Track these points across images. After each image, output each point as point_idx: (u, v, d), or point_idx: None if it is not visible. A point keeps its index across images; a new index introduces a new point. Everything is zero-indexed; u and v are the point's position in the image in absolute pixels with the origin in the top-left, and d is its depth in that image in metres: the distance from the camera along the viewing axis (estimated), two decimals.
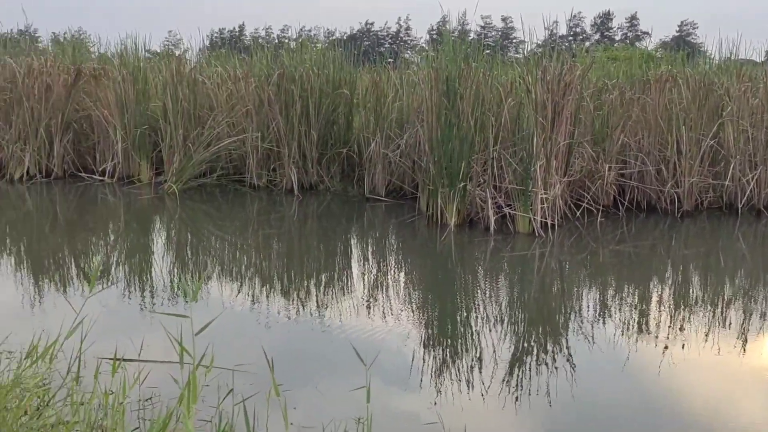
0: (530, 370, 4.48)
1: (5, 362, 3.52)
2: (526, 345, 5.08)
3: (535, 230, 8.32)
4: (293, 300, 6.08)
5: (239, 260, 7.73)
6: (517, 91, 9.06)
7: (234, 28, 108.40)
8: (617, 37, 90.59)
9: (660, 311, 5.96)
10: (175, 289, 6.21)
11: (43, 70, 11.54)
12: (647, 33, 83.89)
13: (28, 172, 11.65)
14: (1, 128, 11.92)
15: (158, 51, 16.43)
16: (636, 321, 5.65)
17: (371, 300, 6.07)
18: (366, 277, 7.00)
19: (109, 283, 6.39)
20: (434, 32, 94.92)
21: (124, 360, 2.38)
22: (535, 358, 4.76)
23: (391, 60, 12.42)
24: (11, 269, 7.00)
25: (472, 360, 4.68)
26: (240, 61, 12.33)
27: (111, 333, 3.69)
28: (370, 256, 8.14)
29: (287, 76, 10.85)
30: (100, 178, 11.74)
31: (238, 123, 11.27)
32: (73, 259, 7.57)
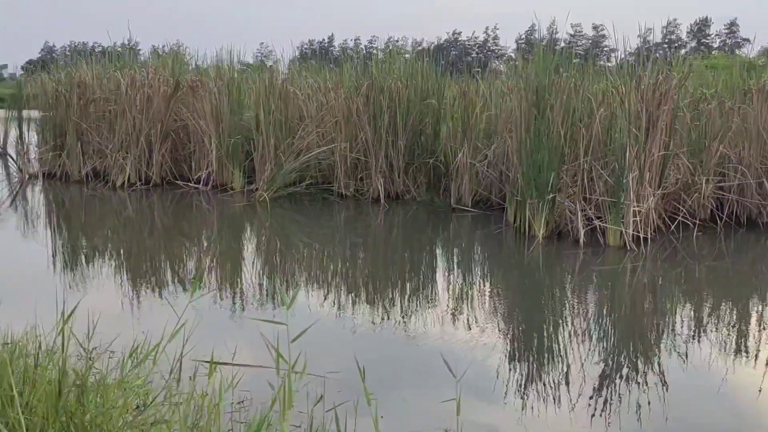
0: (620, 388, 4.36)
1: (110, 362, 3.70)
2: (615, 362, 4.95)
3: (627, 244, 8.09)
4: (379, 308, 6.13)
5: (326, 268, 7.86)
6: (610, 101, 8.85)
7: (323, 39, 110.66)
8: (715, 45, 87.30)
9: (759, 331, 5.69)
10: (266, 295, 6.39)
11: (145, 82, 12.13)
12: (747, 40, 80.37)
13: (129, 180, 12.24)
14: (105, 137, 12.59)
15: (251, 63, 16.96)
16: (733, 341, 5.41)
17: (456, 310, 6.05)
18: (451, 287, 6.99)
19: (205, 288, 6.62)
20: (522, 41, 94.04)
21: (219, 363, 2.47)
22: (625, 375, 4.63)
23: (478, 69, 12.36)
24: (112, 273, 7.34)
25: (560, 375, 4.59)
26: (330, 73, 12.58)
27: (206, 336, 3.83)
28: (455, 267, 8.12)
29: (376, 87, 11.00)
30: (195, 185, 12.20)
31: (327, 133, 11.49)
32: (169, 264, 7.91)
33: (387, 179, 11.18)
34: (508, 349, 5.15)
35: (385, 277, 7.41)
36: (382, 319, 5.77)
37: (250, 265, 7.86)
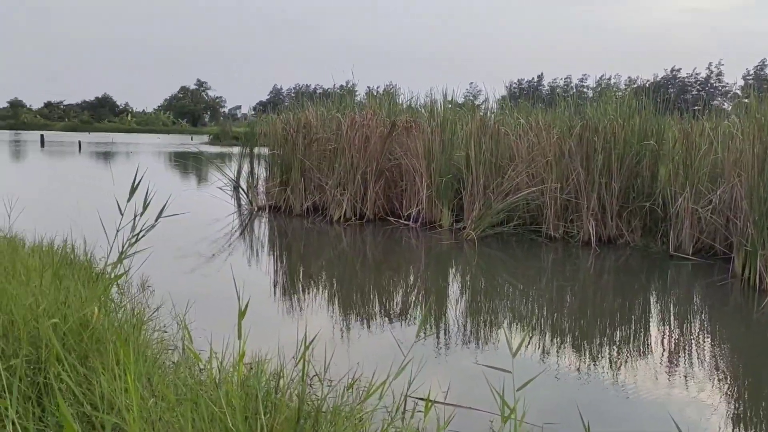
0: None
1: (325, 389, 3.91)
2: None
3: None
4: (585, 355, 5.89)
5: (531, 310, 7.71)
6: None
7: (533, 78, 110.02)
8: None
9: None
10: (470, 333, 6.40)
11: (364, 122, 12.83)
12: None
13: (345, 215, 12.94)
14: (325, 174, 13.45)
15: (460, 102, 17.25)
16: None
17: (672, 365, 5.64)
18: (666, 340, 6.53)
19: (408, 323, 6.78)
20: (751, 77, 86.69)
21: (436, 402, 2.51)
22: None
23: (699, 108, 11.62)
24: (326, 302, 7.77)
25: None
26: (541, 112, 12.48)
27: (418, 372, 3.89)
28: (671, 318, 7.58)
29: (590, 127, 10.72)
30: (406, 222, 12.60)
31: (537, 173, 11.37)
32: (378, 297, 8.20)
33: (599, 222, 10.79)
34: (731, 411, 4.70)
35: (592, 324, 7.11)
36: (589, 367, 5.53)
37: (454, 301, 7.94)
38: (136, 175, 3.24)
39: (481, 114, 12.02)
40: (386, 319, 6.92)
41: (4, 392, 2.32)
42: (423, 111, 13.34)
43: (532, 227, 11.55)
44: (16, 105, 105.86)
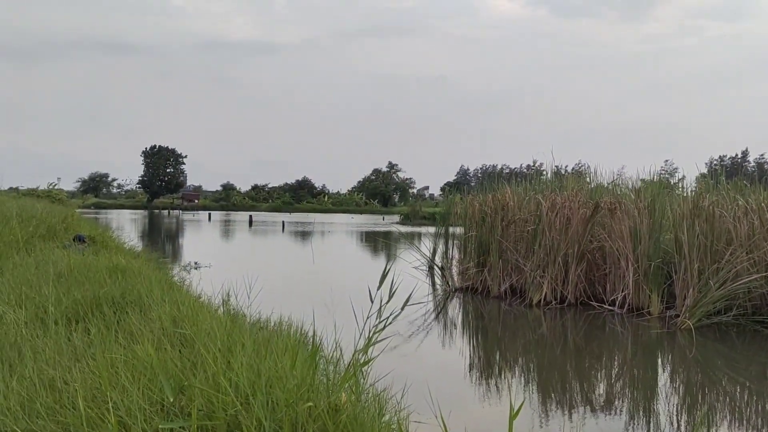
0: None
1: None
2: None
3: None
4: None
5: (758, 410, 6.94)
6: None
7: (736, 155, 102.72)
8: None
9: None
10: None
11: (565, 204, 12.57)
12: None
13: (545, 298, 12.58)
14: (523, 256, 13.26)
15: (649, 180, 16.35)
16: None
17: None
18: None
19: (613, 415, 6.38)
20: None
21: None
22: None
23: None
24: (524, 387, 7.53)
25: None
26: (764, 193, 11.51)
27: None
28: None
29: None
30: (610, 307, 11.99)
31: (760, 259, 10.42)
32: (578, 384, 7.83)
33: None
34: None
35: None
36: None
37: (668, 397, 7.36)
38: (386, 266, 3.37)
39: (696, 195, 11.29)
40: (588, 408, 6.58)
41: None
42: (629, 191, 12.82)
43: (755, 317, 10.52)
44: (228, 188, 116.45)
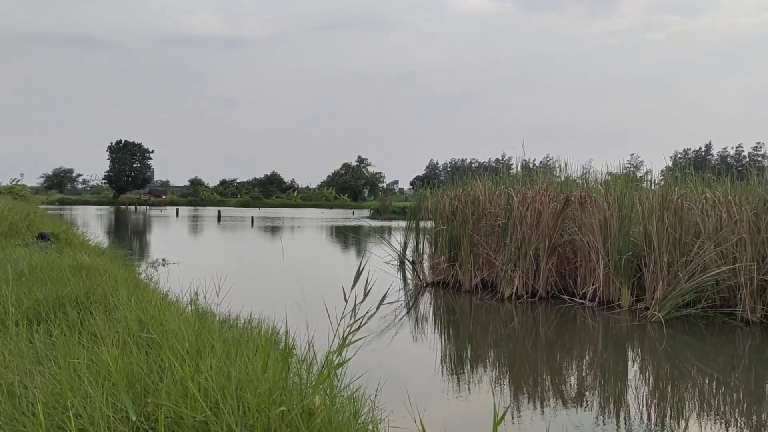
0: None
1: None
2: None
3: None
4: None
5: (728, 402, 6.98)
6: None
7: (699, 148, 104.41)
8: None
9: None
10: (666, 428, 5.88)
11: (536, 198, 12.57)
12: None
13: (516, 292, 12.58)
14: (494, 250, 13.25)
15: (618, 174, 16.51)
16: None
17: None
18: None
19: (585, 408, 6.38)
20: None
21: None
22: None
23: None
24: (495, 382, 7.49)
25: None
26: (731, 186, 11.64)
27: None
28: None
29: None
30: (581, 301, 12.03)
31: (728, 251, 10.53)
32: (550, 378, 7.82)
33: None
34: None
35: None
36: None
37: (639, 389, 7.37)
38: (360, 263, 3.27)
39: (664, 188, 11.36)
40: (560, 402, 6.58)
41: None
42: (599, 185, 12.86)
43: (724, 309, 10.63)
44: (196, 183, 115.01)
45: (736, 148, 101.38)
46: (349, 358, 3.25)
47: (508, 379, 7.64)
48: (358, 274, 3.29)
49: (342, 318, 3.27)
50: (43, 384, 3.25)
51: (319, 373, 3.11)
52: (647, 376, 8.09)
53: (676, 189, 11.28)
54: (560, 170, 15.21)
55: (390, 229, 29.66)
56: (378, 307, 3.32)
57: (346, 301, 3.27)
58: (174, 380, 3.00)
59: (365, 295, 3.29)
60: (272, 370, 3.09)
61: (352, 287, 3.28)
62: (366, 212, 64.43)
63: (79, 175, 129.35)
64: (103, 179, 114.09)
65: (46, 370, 3.48)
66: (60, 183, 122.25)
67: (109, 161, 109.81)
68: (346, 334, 3.16)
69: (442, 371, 7.99)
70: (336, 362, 3.10)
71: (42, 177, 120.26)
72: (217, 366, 3.08)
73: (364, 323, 3.25)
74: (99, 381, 3.05)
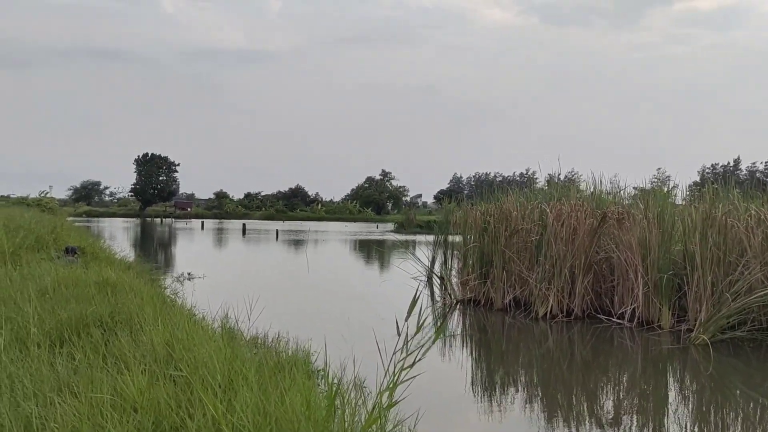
0: None
1: None
2: None
3: None
4: None
5: None
6: None
7: (728, 163, 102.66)
8: None
9: None
10: None
11: (571, 214, 12.16)
12: None
13: (550, 311, 12.14)
14: (527, 267, 12.85)
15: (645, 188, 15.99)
16: None
17: None
18: None
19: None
20: None
21: None
22: None
23: None
24: (528, 404, 7.18)
25: None
26: None
27: None
28: None
29: None
30: (618, 321, 11.58)
31: None
32: (585, 400, 7.50)
33: None
34: None
35: None
36: None
37: (681, 414, 7.01)
38: (415, 296, 2.97)
39: (708, 205, 10.88)
40: (596, 427, 6.26)
41: None
42: (638, 201, 12.40)
43: None
44: (221, 196, 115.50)
45: (766, 163, 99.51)
46: (401, 399, 2.95)
47: (541, 402, 7.34)
48: (413, 304, 2.99)
49: (393, 354, 2.96)
50: (63, 417, 2.99)
51: (369, 416, 2.82)
52: (691, 401, 7.71)
53: (720, 205, 10.81)
54: (587, 185, 14.79)
55: (415, 243, 29.34)
56: (435, 340, 3.02)
57: (399, 334, 2.96)
58: (205, 419, 2.73)
59: (419, 328, 2.98)
60: (314, 409, 2.80)
61: (406, 320, 2.98)
62: (390, 226, 64.07)
63: (106, 188, 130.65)
64: (129, 192, 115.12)
65: (67, 401, 3.22)
66: (87, 195, 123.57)
67: (135, 174, 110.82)
68: (397, 371, 2.86)
69: (474, 392, 7.71)
70: (386, 404, 2.80)
71: (70, 189, 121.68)
72: (252, 402, 2.80)
73: (419, 359, 2.95)
74: (123, 418, 2.78)
